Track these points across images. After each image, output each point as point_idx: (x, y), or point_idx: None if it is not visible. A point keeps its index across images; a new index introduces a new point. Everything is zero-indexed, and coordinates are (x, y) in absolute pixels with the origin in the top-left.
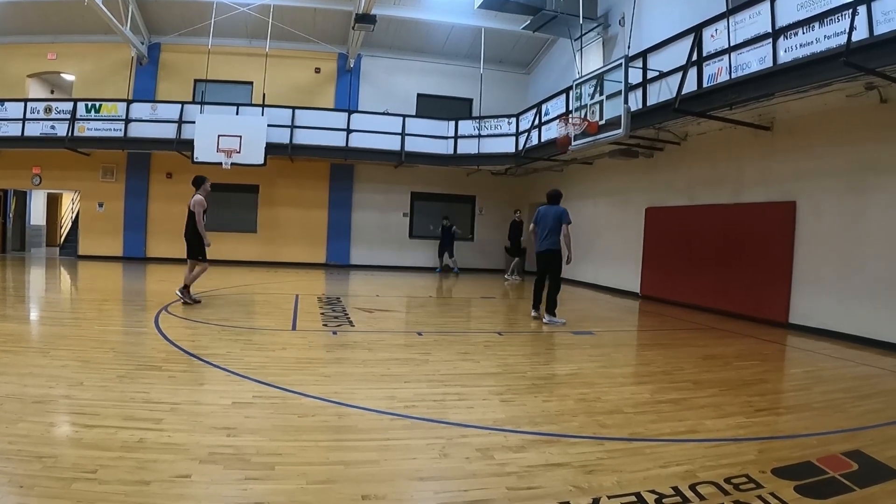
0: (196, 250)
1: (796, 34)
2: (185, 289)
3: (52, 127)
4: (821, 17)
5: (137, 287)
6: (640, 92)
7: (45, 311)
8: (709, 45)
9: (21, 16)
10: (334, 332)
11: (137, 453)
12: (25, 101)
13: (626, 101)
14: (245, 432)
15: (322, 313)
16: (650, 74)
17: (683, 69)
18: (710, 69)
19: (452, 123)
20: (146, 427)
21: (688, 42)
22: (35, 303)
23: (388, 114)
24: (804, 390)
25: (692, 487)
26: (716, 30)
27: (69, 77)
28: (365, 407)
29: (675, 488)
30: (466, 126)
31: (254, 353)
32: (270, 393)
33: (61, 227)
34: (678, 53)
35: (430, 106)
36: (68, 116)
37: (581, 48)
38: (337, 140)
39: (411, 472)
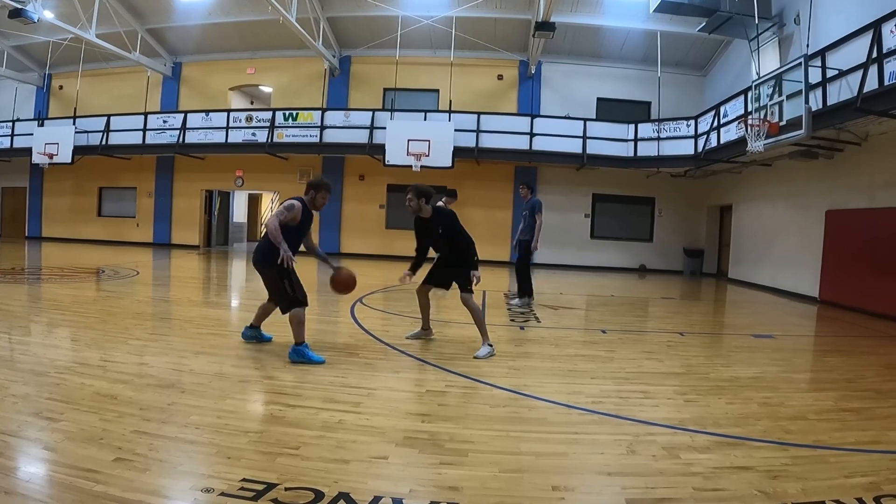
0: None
1: None
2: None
3: (253, 134)
4: None
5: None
6: (819, 91)
7: (247, 300)
8: (889, 41)
9: (222, 35)
10: (522, 328)
11: (338, 433)
12: (228, 111)
13: (806, 101)
14: (439, 419)
15: (509, 309)
16: (829, 73)
17: (864, 67)
18: (891, 66)
19: (632, 126)
20: (346, 409)
21: (866, 38)
22: (238, 292)
23: (569, 118)
24: None
25: (876, 500)
26: None
27: (266, 89)
28: (553, 400)
29: (860, 500)
30: (646, 129)
31: (445, 344)
32: (462, 383)
33: (261, 225)
34: (857, 51)
35: (610, 109)
36: (267, 124)
37: (757, 48)
38: (520, 143)
39: (599, 466)
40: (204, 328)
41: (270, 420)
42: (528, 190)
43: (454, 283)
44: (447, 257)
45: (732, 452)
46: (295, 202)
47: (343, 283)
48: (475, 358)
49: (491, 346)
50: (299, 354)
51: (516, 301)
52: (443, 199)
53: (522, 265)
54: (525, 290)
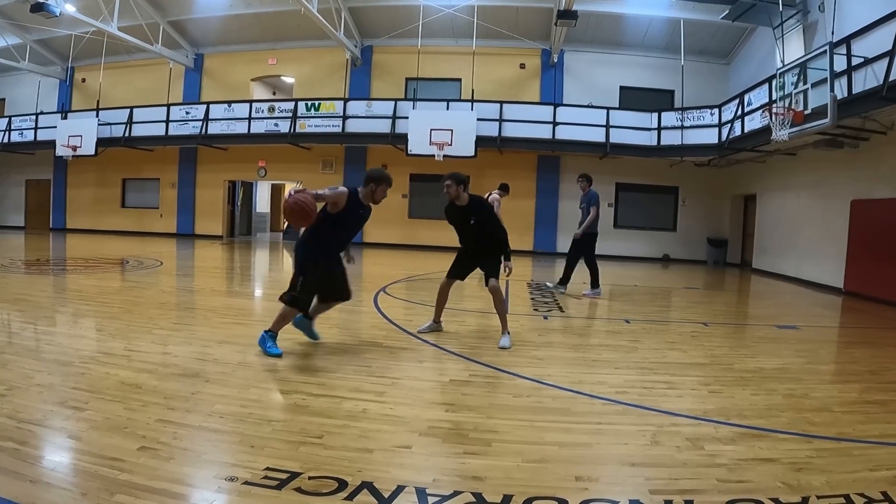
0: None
1: None
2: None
3: (276, 124)
4: None
5: (356, 269)
6: (844, 79)
7: (271, 289)
8: None
9: (243, 27)
10: (545, 317)
11: (361, 423)
12: (251, 101)
13: (832, 90)
14: (463, 409)
15: (532, 298)
16: (855, 61)
17: (890, 54)
18: None
19: (655, 115)
20: (369, 399)
21: (893, 26)
22: (260, 281)
23: (592, 106)
24: None
25: None
26: None
27: (288, 79)
28: (577, 391)
29: (885, 493)
30: (669, 117)
31: (468, 333)
32: (485, 372)
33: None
34: (883, 38)
35: (633, 98)
36: (290, 115)
37: (782, 36)
38: (543, 132)
39: (623, 456)
40: (228, 317)
41: (294, 409)
42: (587, 182)
43: (476, 270)
44: (475, 248)
45: (757, 444)
46: (343, 189)
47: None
48: (500, 348)
49: (509, 334)
50: (262, 340)
51: (559, 288)
52: (497, 191)
53: (589, 256)
54: (564, 278)
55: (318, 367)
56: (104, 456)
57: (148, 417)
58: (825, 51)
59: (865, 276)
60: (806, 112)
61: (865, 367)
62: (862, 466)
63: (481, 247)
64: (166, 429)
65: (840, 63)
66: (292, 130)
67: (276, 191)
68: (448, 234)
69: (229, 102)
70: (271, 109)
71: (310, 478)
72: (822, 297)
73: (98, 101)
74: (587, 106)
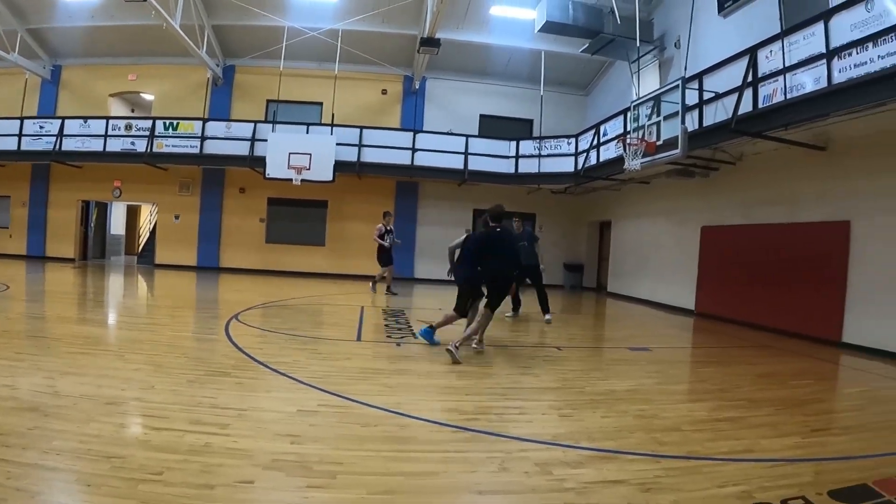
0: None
1: (850, 54)
2: None
3: (133, 143)
4: (875, 38)
5: (210, 295)
6: (696, 113)
7: (122, 317)
8: (764, 67)
9: (104, 39)
10: (398, 344)
11: (203, 457)
12: (108, 118)
13: (683, 122)
14: (309, 440)
15: (386, 325)
16: (706, 95)
17: (739, 90)
18: (765, 90)
19: (514, 143)
20: (213, 432)
21: (743, 63)
22: (112, 308)
23: (451, 133)
24: (860, 410)
25: None
26: (770, 51)
27: (148, 97)
28: (427, 418)
29: None
30: (527, 146)
31: (319, 362)
32: (334, 402)
33: (139, 237)
34: (734, 75)
35: (493, 126)
36: (147, 133)
37: (638, 70)
38: (403, 158)
39: (471, 485)
40: (74, 347)
41: (135, 444)
42: (521, 222)
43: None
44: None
45: (605, 466)
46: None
47: None
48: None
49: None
50: (428, 335)
51: (510, 315)
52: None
53: (538, 286)
54: (515, 305)
55: (162, 400)
56: None
57: None
58: (678, 85)
59: (714, 298)
60: (658, 143)
61: (715, 385)
62: (711, 483)
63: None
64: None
65: (692, 97)
66: (149, 150)
67: (132, 212)
68: (307, 260)
69: (86, 118)
70: (129, 127)
71: None
72: (674, 318)
73: None
74: (447, 133)
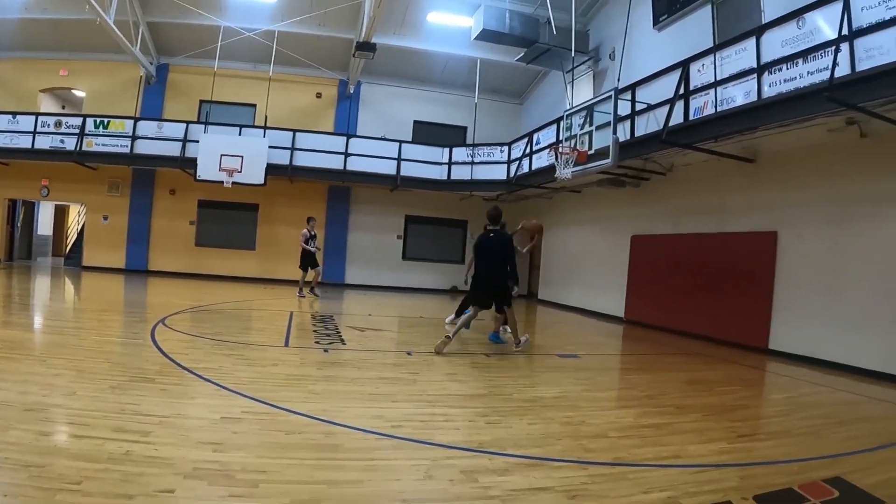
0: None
1: (780, 70)
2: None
3: (62, 141)
4: (805, 54)
5: (138, 299)
6: (628, 123)
7: (46, 320)
8: (696, 80)
9: (36, 32)
10: (326, 350)
11: (123, 466)
12: (37, 114)
13: (614, 132)
14: (232, 448)
15: (315, 331)
16: (638, 107)
17: (671, 102)
18: (696, 102)
19: (447, 150)
20: (134, 439)
21: (675, 76)
22: (37, 311)
23: (385, 139)
24: (785, 416)
25: None
26: (703, 65)
27: (80, 93)
28: (352, 426)
29: None
30: (460, 153)
31: (246, 368)
32: (259, 409)
33: (67, 238)
34: (666, 87)
35: (426, 133)
36: (77, 131)
37: (573, 80)
38: (335, 163)
39: (395, 493)
40: None
41: (54, 452)
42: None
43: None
44: None
45: (531, 473)
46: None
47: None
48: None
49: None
50: (497, 337)
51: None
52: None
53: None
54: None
55: (82, 406)
56: None
57: None
58: (611, 95)
59: (644, 306)
60: (590, 152)
61: (643, 391)
62: (636, 489)
63: None
64: None
65: (625, 108)
66: (78, 148)
67: (60, 212)
68: (237, 264)
69: (14, 113)
70: (58, 124)
71: None
72: (605, 326)
73: None
74: (380, 138)
